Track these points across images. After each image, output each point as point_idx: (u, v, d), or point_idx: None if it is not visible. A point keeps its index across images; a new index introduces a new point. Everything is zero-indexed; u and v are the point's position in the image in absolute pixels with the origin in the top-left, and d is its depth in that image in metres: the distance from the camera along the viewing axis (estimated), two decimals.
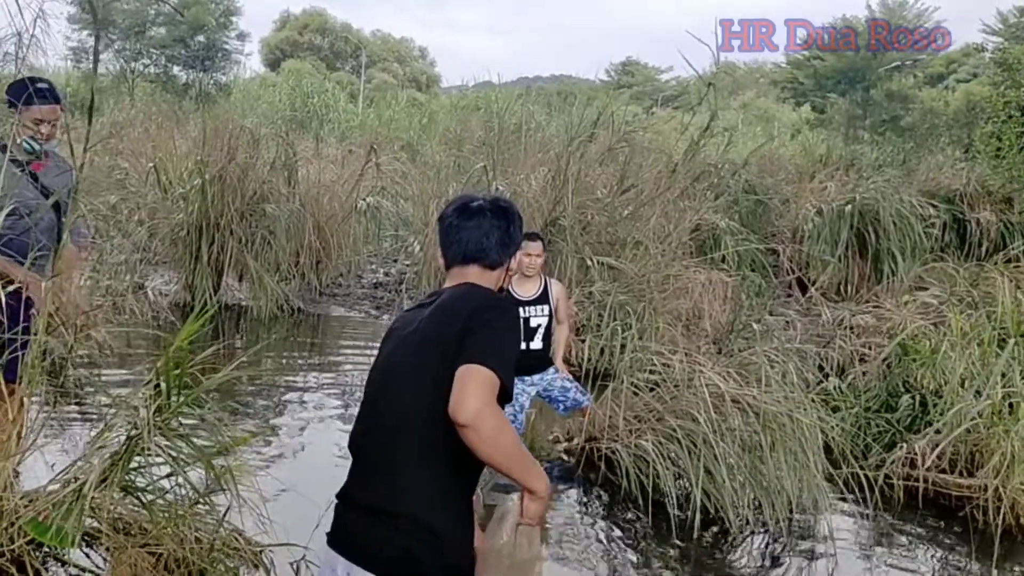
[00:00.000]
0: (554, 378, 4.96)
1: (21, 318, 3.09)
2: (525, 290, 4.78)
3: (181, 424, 3.10)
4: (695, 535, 4.26)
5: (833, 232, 9.74)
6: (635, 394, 5.01)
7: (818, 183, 11.10)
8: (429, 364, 1.90)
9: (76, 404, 4.24)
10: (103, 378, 5.46)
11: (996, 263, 6.66)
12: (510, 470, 1.83)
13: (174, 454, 2.96)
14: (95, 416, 4.55)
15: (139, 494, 3.20)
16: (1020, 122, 15.25)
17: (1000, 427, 4.74)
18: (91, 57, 29.46)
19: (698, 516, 4.27)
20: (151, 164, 9.00)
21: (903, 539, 4.56)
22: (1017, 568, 4.28)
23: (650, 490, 4.45)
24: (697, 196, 9.01)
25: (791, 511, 4.41)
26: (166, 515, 3.16)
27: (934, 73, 36.03)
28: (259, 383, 6.09)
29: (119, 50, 31.67)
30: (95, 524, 3.19)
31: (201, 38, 33.36)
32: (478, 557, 1.94)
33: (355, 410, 5.80)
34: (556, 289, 4.97)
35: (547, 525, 4.09)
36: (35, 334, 3.03)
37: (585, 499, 4.71)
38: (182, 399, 2.96)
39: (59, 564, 3.26)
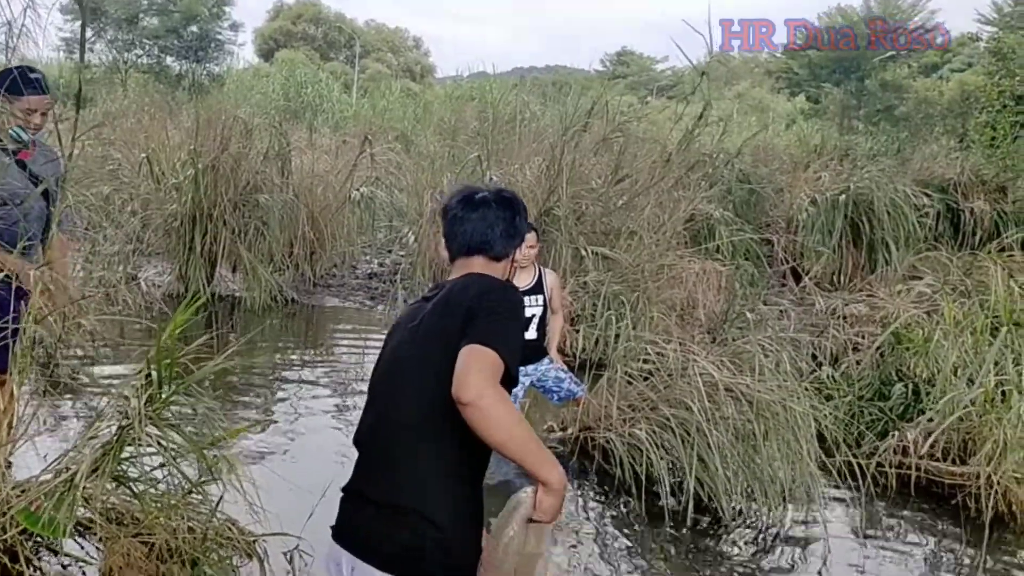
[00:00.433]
0: (548, 368, 4.97)
1: (11, 308, 3.08)
2: (519, 280, 4.77)
3: (173, 414, 3.10)
4: (688, 523, 4.27)
5: (827, 222, 9.75)
6: (629, 383, 5.01)
7: (812, 173, 11.10)
8: (432, 358, 1.89)
9: (68, 395, 4.24)
10: (96, 369, 5.45)
11: (989, 252, 6.66)
12: (516, 454, 1.75)
13: (166, 444, 2.95)
14: (87, 406, 4.55)
15: (131, 484, 3.20)
16: (1014, 111, 15.32)
17: (992, 415, 4.76)
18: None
19: (691, 504, 4.29)
20: (144, 154, 8.95)
21: (895, 527, 4.58)
22: (1008, 555, 4.30)
23: (644, 479, 4.47)
24: (691, 186, 9.00)
25: (784, 499, 4.42)
26: (158, 505, 3.16)
27: (928, 63, 36.01)
28: (252, 373, 6.09)
29: (111, 40, 31.54)
30: (87, 514, 3.18)
31: (194, 28, 33.24)
32: (484, 550, 1.91)
33: (349, 400, 5.82)
34: (550, 279, 4.96)
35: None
36: (25, 324, 3.02)
37: (579, 487, 4.72)
38: (174, 389, 2.96)
39: (52, 554, 3.26)
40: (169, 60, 33.19)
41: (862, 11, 36.91)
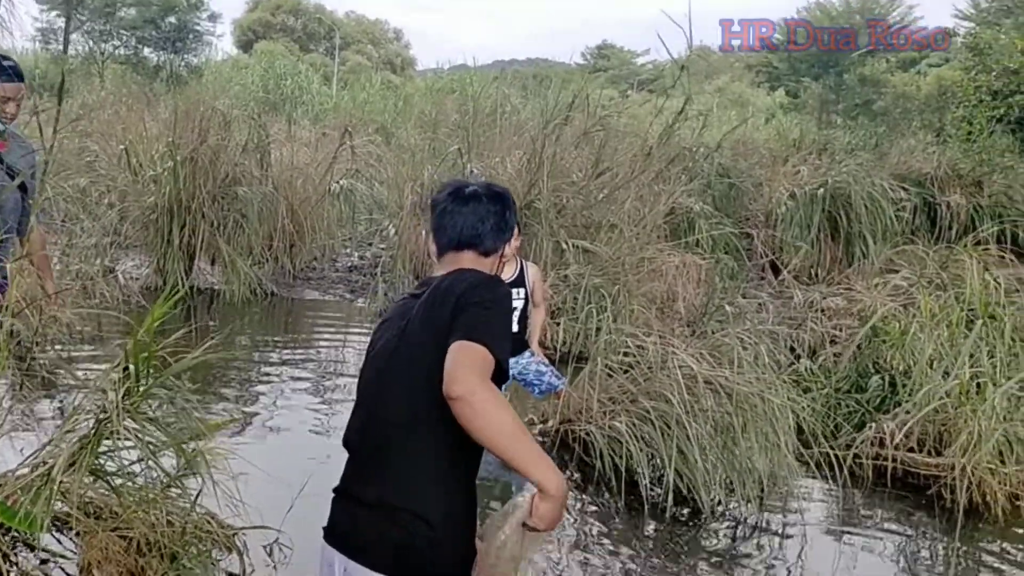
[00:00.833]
0: (529, 361, 4.97)
1: None
2: (502, 274, 4.77)
3: (151, 408, 3.08)
4: (668, 515, 4.30)
5: (806, 215, 9.81)
6: (609, 376, 5.04)
7: (791, 167, 11.16)
8: (422, 356, 1.86)
9: (45, 388, 4.20)
10: (73, 362, 5.40)
11: (965, 246, 6.72)
12: (507, 451, 1.67)
13: (144, 438, 2.93)
14: (64, 401, 4.51)
15: (109, 478, 3.18)
16: (991, 106, 15.49)
17: (967, 407, 4.82)
18: (59, 38, 28.99)
19: (671, 496, 4.32)
20: (122, 146, 8.87)
21: (872, 517, 4.63)
22: (982, 544, 4.37)
23: (623, 471, 4.49)
24: (671, 179, 9.02)
25: (762, 490, 4.46)
26: (137, 499, 3.14)
27: (906, 58, 36.30)
28: (231, 366, 6.05)
29: (88, 31, 31.19)
30: (65, 508, 3.16)
31: (172, 19, 32.95)
32: (478, 553, 1.89)
33: (328, 393, 5.80)
34: (532, 272, 4.97)
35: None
36: (2, 317, 2.99)
37: None
38: (151, 383, 2.94)
39: (29, 549, 3.23)
40: (147, 51, 32.87)
41: (841, 6, 37.17)
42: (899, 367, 5.50)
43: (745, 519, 4.41)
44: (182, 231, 8.06)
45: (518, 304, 4.86)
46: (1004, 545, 4.38)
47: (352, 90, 25.57)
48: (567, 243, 7.50)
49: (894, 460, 4.89)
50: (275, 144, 10.11)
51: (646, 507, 4.33)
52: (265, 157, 9.13)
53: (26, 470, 3.08)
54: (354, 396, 2.09)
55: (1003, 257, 7.35)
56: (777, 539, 4.27)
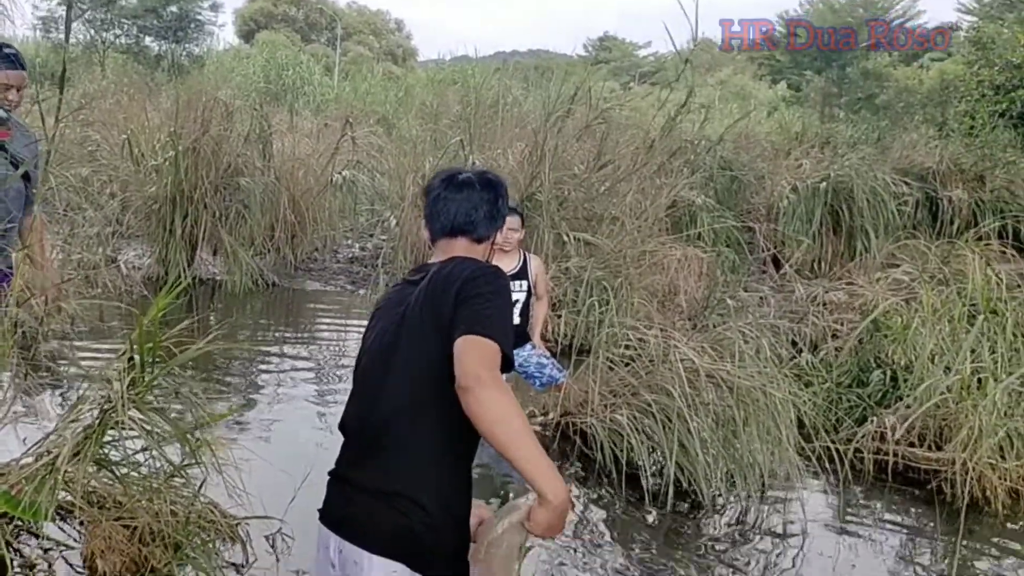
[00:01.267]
0: (530, 354, 4.97)
1: None
2: (503, 265, 4.73)
3: (156, 398, 3.08)
4: (668, 508, 4.31)
5: (808, 209, 9.80)
6: (611, 369, 5.04)
7: (793, 160, 11.15)
8: (421, 343, 1.88)
9: (49, 378, 4.20)
10: (76, 352, 5.41)
11: (967, 241, 6.73)
12: (512, 449, 1.66)
13: (149, 428, 2.94)
14: (68, 390, 4.52)
15: (113, 468, 3.19)
16: (993, 100, 15.45)
17: (968, 402, 4.82)
18: (60, 27, 28.93)
19: (671, 489, 4.33)
20: (123, 136, 8.86)
21: (872, 511, 4.64)
22: (982, 539, 4.38)
23: (624, 463, 4.50)
24: (673, 172, 9.02)
25: (763, 484, 4.47)
26: (141, 488, 3.15)
27: (909, 52, 36.21)
28: (234, 357, 6.06)
29: (89, 20, 31.08)
30: (69, 498, 3.17)
31: (173, 8, 32.81)
32: (473, 542, 1.91)
33: (330, 384, 5.80)
34: (535, 264, 4.97)
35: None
36: (6, 307, 2.99)
37: (559, 471, 4.74)
38: (156, 373, 2.94)
39: (33, 538, 3.24)
40: (148, 40, 32.76)
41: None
42: (900, 362, 5.50)
43: (746, 512, 4.42)
44: (184, 221, 8.07)
45: (521, 296, 4.86)
46: (1004, 540, 4.39)
47: (354, 81, 25.54)
48: (568, 235, 7.50)
49: (895, 455, 4.90)
50: (277, 135, 10.11)
51: (647, 499, 4.35)
52: (267, 148, 9.13)
53: (30, 459, 3.08)
54: None
55: (1004, 252, 7.38)
56: (777, 532, 4.28)
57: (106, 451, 3.10)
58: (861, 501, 4.73)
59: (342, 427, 2.06)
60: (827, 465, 4.62)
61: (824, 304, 7.08)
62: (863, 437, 4.99)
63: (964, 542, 4.27)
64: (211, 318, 7.07)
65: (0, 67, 3.33)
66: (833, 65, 35.52)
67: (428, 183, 2.17)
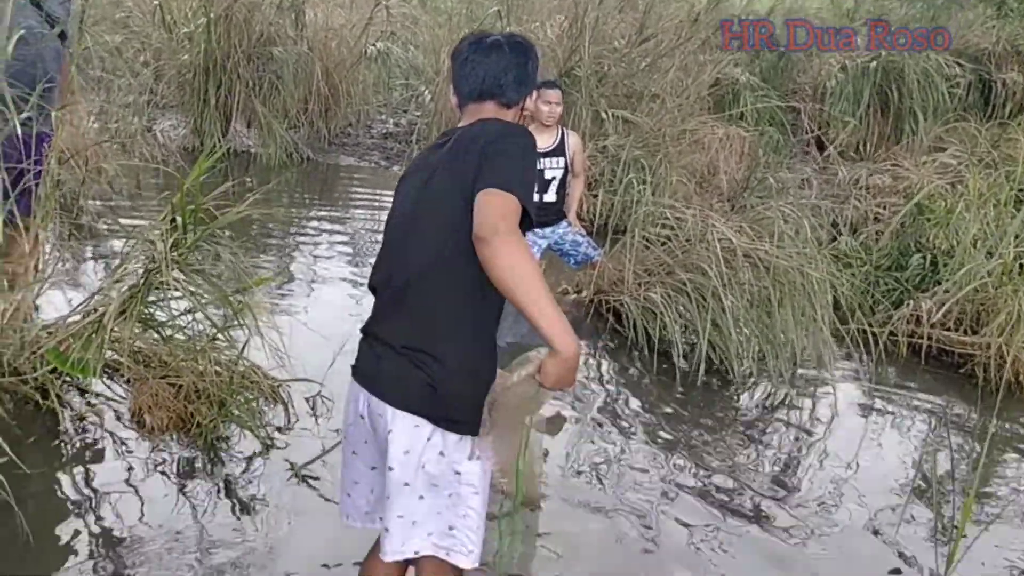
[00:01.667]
0: (566, 231, 4.95)
1: (34, 151, 3.06)
2: (542, 141, 4.66)
3: (197, 260, 3.12)
4: (698, 383, 4.36)
5: (856, 90, 9.47)
6: (646, 248, 5.02)
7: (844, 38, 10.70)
8: (446, 204, 1.87)
9: (90, 240, 4.27)
10: (115, 217, 5.48)
11: (1019, 124, 6.50)
12: (523, 297, 1.67)
13: (192, 289, 2.99)
14: (110, 254, 4.59)
15: (158, 328, 3.26)
16: None
17: (1009, 287, 4.76)
18: None
19: (703, 366, 4.37)
20: (156, 2, 8.69)
21: (903, 392, 4.66)
22: (1012, 421, 4.39)
23: (656, 340, 4.53)
24: (718, 49, 8.72)
25: (795, 363, 4.49)
26: (185, 348, 3.23)
27: None
28: (270, 226, 6.11)
29: None
30: (115, 356, 3.27)
31: None
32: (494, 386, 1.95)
33: (366, 253, 5.82)
34: (572, 141, 4.88)
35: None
36: (48, 166, 3.01)
37: (591, 347, 4.79)
38: (199, 235, 2.97)
39: (80, 394, 3.36)
40: None
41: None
42: (942, 246, 5.42)
43: (776, 390, 4.46)
44: (218, 91, 7.99)
45: (557, 174, 4.79)
46: None
47: None
48: (607, 113, 7.33)
49: (929, 338, 4.88)
50: (309, 3, 9.84)
51: (677, 375, 4.39)
52: (300, 17, 8.91)
53: (77, 317, 3.16)
54: None
55: None
56: (807, 409, 4.33)
57: (151, 311, 3.17)
58: (893, 381, 4.75)
59: (371, 287, 2.10)
60: (861, 347, 4.62)
61: (867, 187, 6.95)
62: (898, 320, 4.96)
63: (996, 423, 4.29)
64: (247, 187, 7.09)
65: None
66: None
67: (456, 47, 2.11)
